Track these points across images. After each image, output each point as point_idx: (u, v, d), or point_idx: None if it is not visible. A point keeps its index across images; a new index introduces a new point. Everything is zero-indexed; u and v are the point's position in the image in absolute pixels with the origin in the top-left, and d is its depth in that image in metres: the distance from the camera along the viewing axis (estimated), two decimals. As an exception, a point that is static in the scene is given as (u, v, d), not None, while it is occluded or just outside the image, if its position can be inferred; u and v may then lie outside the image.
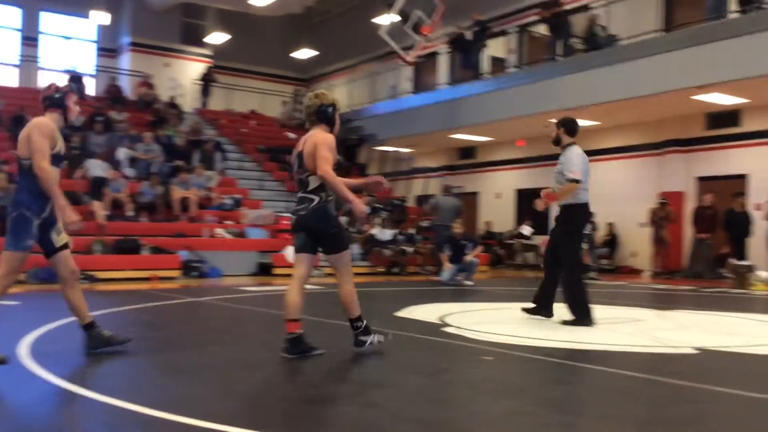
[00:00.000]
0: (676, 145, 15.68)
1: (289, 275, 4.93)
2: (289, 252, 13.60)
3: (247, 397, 3.60)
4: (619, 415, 3.40)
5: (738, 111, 14.51)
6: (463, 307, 8.10)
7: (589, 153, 19.16)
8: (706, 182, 15.35)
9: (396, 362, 4.69)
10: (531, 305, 6.72)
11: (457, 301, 8.95)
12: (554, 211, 6.97)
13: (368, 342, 4.77)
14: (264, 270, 13.20)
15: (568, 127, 6.66)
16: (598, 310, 7.01)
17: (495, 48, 19.00)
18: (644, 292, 11.54)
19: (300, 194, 4.69)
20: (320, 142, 4.56)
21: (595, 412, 3.50)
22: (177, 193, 13.69)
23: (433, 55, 20.60)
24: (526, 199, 19.54)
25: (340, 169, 20.19)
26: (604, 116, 15.66)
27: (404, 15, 18.19)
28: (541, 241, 17.61)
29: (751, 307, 8.95)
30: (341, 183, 4.53)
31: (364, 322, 4.80)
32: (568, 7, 16.40)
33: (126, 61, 22.63)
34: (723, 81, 12.26)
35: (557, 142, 6.64)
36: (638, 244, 15.70)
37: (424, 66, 21.48)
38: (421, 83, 22.11)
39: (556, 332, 6.02)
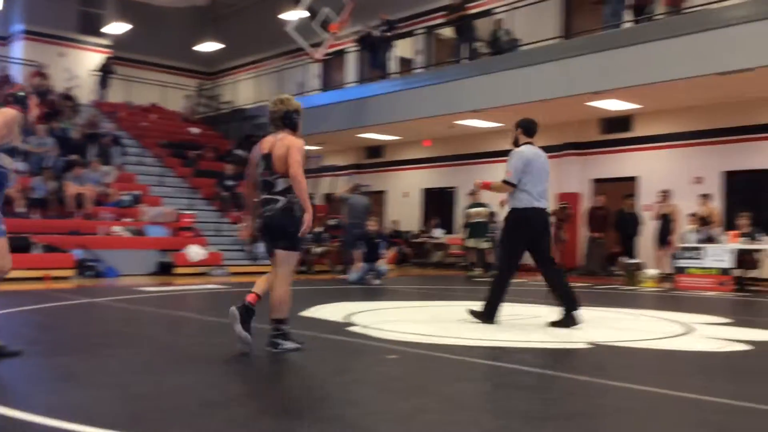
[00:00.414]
0: (574, 148, 16.34)
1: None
2: (192, 251, 13.27)
3: (144, 401, 3.46)
4: (519, 410, 3.49)
5: (630, 116, 15.29)
6: (369, 306, 8.12)
7: (491, 155, 19.73)
8: (600, 184, 16.08)
9: (299, 362, 4.65)
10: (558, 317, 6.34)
11: (363, 300, 8.96)
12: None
13: (283, 347, 4.75)
14: (164, 269, 12.80)
15: (526, 127, 6.63)
16: (510, 308, 7.20)
17: (403, 48, 19.19)
18: (542, 289, 11.93)
19: (266, 196, 4.81)
20: (294, 147, 4.75)
21: (496, 407, 3.58)
22: (71, 188, 13.08)
23: (341, 53, 20.58)
24: (433, 198, 19.86)
25: (243, 164, 19.89)
26: (508, 119, 16.11)
27: (312, 11, 18.08)
28: (447, 239, 17.98)
29: (640, 303, 9.44)
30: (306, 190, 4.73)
31: (288, 327, 4.82)
32: (472, 11, 16.76)
33: (18, 49, 21.44)
34: (618, 87, 12.87)
35: (515, 143, 6.57)
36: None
37: (333, 64, 21.44)
38: (329, 81, 22.04)
39: (459, 330, 6.13)
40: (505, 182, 6.35)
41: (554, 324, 6.28)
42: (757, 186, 13.77)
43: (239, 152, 18.90)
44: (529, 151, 6.44)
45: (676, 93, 13.16)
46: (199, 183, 16.91)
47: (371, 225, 12.33)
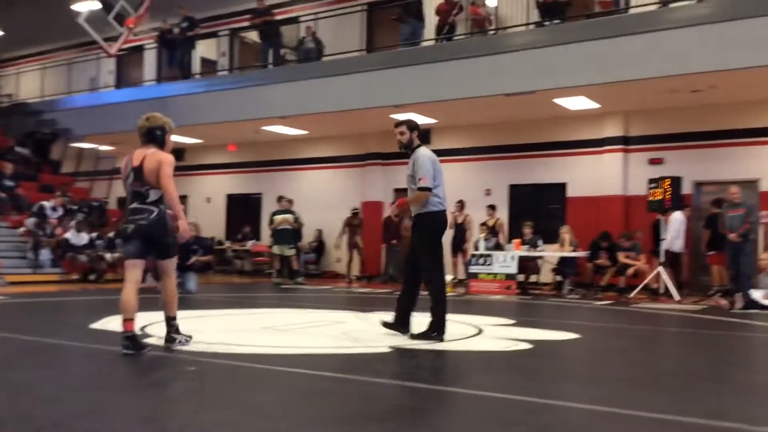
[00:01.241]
0: (377, 158, 16.88)
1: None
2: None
3: None
4: (322, 417, 3.48)
5: (429, 130, 16.08)
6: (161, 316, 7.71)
7: (297, 162, 19.75)
8: (402, 193, 16.70)
9: (88, 378, 4.29)
10: (390, 320, 6.25)
11: (160, 310, 8.50)
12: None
13: (178, 340, 5.33)
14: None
15: (419, 129, 6.39)
16: (303, 315, 7.19)
17: (206, 49, 18.65)
18: (347, 295, 12.17)
19: (136, 205, 5.13)
20: (165, 162, 5.13)
21: (299, 415, 3.54)
22: None
23: (139, 49, 19.53)
24: (237, 204, 19.47)
25: (29, 165, 18.12)
26: (313, 126, 16.27)
27: (106, 4, 16.98)
28: (251, 245, 17.70)
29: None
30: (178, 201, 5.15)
31: (178, 322, 5.38)
32: (279, 17, 16.71)
33: None
34: (415, 102, 13.50)
35: (409, 144, 6.29)
36: (342, 251, 16.49)
37: (129, 60, 20.29)
38: (125, 78, 20.81)
39: (262, 339, 6.03)
40: (424, 189, 6.01)
41: (386, 325, 6.26)
42: (538, 198, 15.14)
43: (21, 150, 17.23)
44: (431, 152, 6.25)
45: (468, 110, 14.10)
46: (-29, 183, 15.14)
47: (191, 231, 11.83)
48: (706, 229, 12.12)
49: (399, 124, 6.38)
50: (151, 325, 6.67)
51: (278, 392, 4.12)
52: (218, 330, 6.52)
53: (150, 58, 19.67)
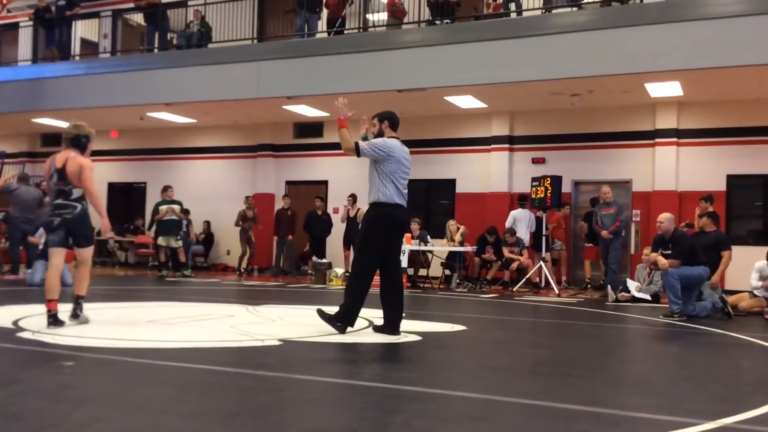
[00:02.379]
0: (269, 149, 16.66)
1: None
2: None
3: None
4: (205, 410, 3.41)
5: (321, 123, 16.05)
6: (43, 309, 7.30)
7: (186, 151, 19.14)
8: (294, 186, 16.62)
9: (-49, 377, 3.98)
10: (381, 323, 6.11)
11: (34, 303, 8.03)
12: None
13: (81, 318, 6.07)
14: None
15: (391, 119, 6.15)
16: (190, 309, 7.02)
17: (88, 30, 17.72)
18: (236, 288, 11.95)
19: (61, 201, 5.91)
20: (85, 167, 5.93)
21: (181, 409, 3.44)
22: None
23: (14, 27, 18.28)
24: (119, 193, 18.65)
25: None
26: (201, 115, 15.84)
27: (-22, -23, 15.80)
28: (136, 238, 17.02)
29: (328, 300, 9.93)
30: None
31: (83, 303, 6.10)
32: (166, 0, 16.11)
33: None
34: (307, 95, 13.42)
35: (379, 136, 6.08)
36: (232, 243, 16.18)
37: (2, 38, 18.94)
38: (-3, 57, 19.43)
39: (146, 332, 5.83)
40: (355, 149, 5.81)
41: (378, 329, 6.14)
42: (428, 194, 15.46)
43: None
44: (395, 142, 6.00)
45: (361, 105, 14.11)
46: None
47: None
48: (584, 222, 12.90)
49: (373, 117, 6.24)
50: (28, 318, 6.32)
51: (161, 387, 3.99)
52: (99, 324, 6.23)
53: (25, 37, 18.45)
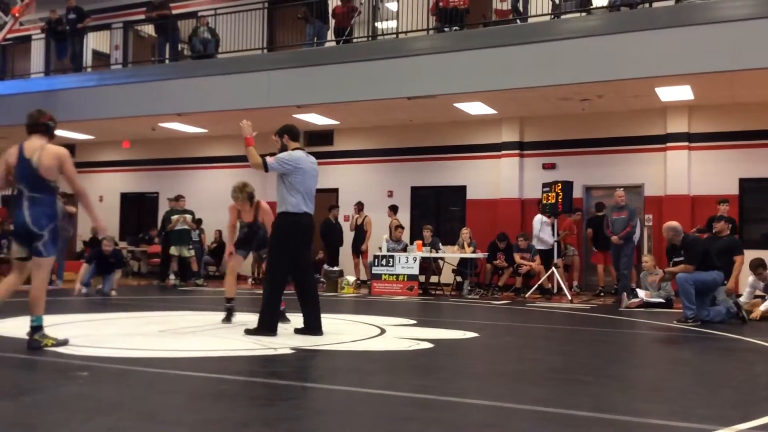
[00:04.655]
0: (279, 158, 16.68)
1: None
2: None
3: None
4: (218, 419, 3.42)
5: (332, 131, 16.10)
6: (59, 319, 7.36)
7: (198, 160, 19.23)
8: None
9: (-33, 388, 4.02)
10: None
11: (51, 314, 8.08)
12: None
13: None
14: None
15: (291, 132, 6.46)
16: (202, 318, 7.05)
17: (99, 42, 17.89)
18: (248, 297, 11.96)
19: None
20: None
21: (194, 418, 3.46)
22: None
23: (26, 40, 18.49)
24: (132, 203, 18.78)
25: None
26: (212, 125, 15.92)
27: (-10, -9, 16.02)
28: (149, 248, 17.09)
29: (340, 308, 9.94)
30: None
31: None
32: (176, 11, 16.23)
33: None
34: (317, 103, 13.48)
35: (283, 150, 6.38)
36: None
37: (15, 50, 19.15)
38: (10, 69, 19.63)
39: (156, 341, 5.86)
40: (263, 164, 6.05)
41: (247, 331, 6.31)
42: (438, 201, 15.46)
43: None
44: (301, 154, 6.30)
45: (370, 112, 14.20)
46: None
47: (106, 246, 11.56)
48: (590, 228, 12.86)
49: (274, 134, 6.55)
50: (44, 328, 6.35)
51: (175, 396, 4.01)
52: (112, 334, 6.28)
53: (38, 50, 18.65)
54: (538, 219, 12.88)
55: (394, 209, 14.29)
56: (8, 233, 14.14)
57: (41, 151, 5.33)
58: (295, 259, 6.23)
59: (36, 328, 5.31)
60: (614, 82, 11.39)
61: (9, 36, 16.85)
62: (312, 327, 6.33)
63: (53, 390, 4.07)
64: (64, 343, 5.40)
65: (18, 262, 5.39)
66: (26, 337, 5.82)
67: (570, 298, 11.66)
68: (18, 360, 4.94)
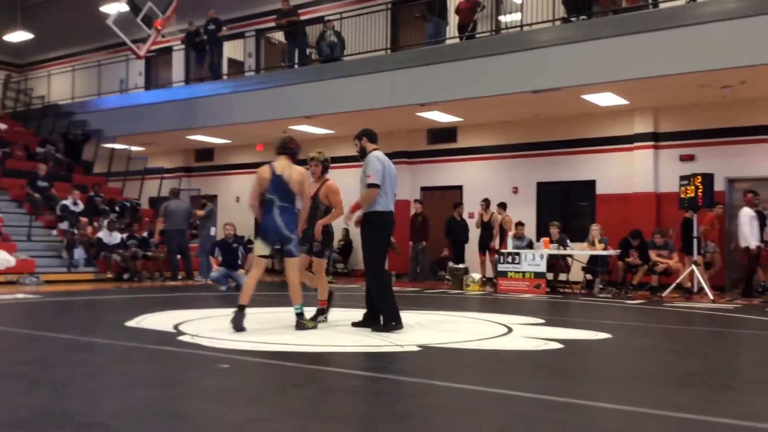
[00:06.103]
0: (404, 156, 16.88)
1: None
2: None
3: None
4: (348, 414, 3.52)
5: (455, 128, 16.06)
6: (200, 314, 7.84)
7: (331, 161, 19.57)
8: (429, 192, 16.74)
9: (122, 375, 4.37)
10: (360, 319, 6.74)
11: (193, 308, 8.64)
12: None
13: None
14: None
15: (370, 135, 6.69)
16: (332, 314, 7.26)
17: (234, 50, 18.83)
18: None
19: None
20: (306, 176, 6.21)
21: (327, 413, 3.58)
22: None
23: (168, 51, 19.78)
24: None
25: (60, 165, 18.42)
26: (338, 126, 16.32)
27: (134, 6, 17.25)
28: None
29: (466, 306, 9.92)
30: None
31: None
32: (304, 17, 16.79)
33: None
34: (440, 101, 13.49)
35: (363, 153, 6.61)
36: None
37: (158, 61, 20.56)
38: (154, 79, 21.10)
39: (292, 337, 6.08)
40: (372, 185, 6.34)
41: (357, 324, 6.64)
42: (566, 196, 15.03)
43: (46, 149, 17.53)
44: (382, 155, 6.55)
45: (494, 108, 14.04)
46: (7, 183, 15.49)
47: (228, 230, 12.27)
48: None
49: (354, 138, 6.75)
50: (187, 322, 6.78)
51: (308, 390, 4.17)
52: (248, 328, 6.59)
53: (178, 60, 19.91)
54: (746, 213, 11.70)
55: (502, 206, 14.09)
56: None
57: (290, 168, 6.32)
58: (384, 253, 6.63)
59: (299, 315, 6.42)
60: (759, 67, 10.60)
61: (152, 48, 18.12)
62: (369, 320, 6.62)
63: (197, 382, 4.34)
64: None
65: (260, 259, 6.37)
66: (173, 330, 6.28)
67: (712, 297, 10.99)
68: (163, 352, 5.29)
